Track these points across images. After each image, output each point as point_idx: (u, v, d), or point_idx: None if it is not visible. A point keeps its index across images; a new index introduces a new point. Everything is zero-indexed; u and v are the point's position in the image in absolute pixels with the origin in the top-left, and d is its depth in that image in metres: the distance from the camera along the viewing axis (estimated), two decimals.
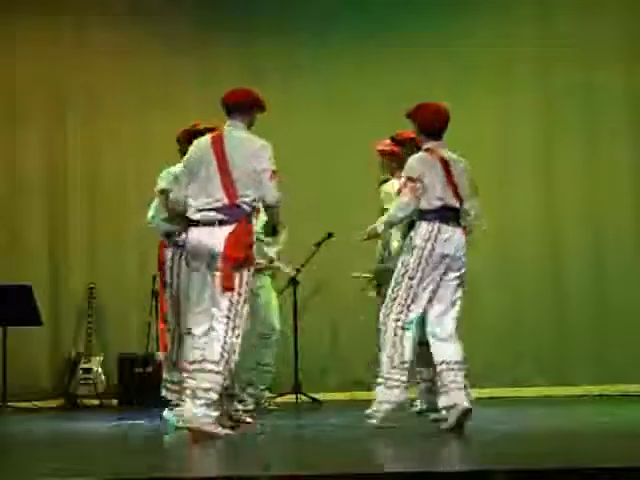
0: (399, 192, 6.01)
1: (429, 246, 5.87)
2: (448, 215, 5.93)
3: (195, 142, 5.94)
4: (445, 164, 5.96)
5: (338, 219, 9.02)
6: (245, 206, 5.70)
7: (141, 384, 8.99)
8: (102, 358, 9.31)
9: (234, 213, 5.67)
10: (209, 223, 5.67)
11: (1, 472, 4.48)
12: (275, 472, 4.23)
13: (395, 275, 5.97)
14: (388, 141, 6.89)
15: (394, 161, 6.86)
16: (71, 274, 9.64)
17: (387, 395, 5.91)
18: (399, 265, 5.97)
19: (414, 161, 5.99)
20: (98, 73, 9.79)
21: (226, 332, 5.59)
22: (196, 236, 5.71)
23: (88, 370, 9.20)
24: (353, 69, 9.70)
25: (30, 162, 9.70)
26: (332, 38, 9.76)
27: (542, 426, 6.28)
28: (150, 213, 6.63)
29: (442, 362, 5.82)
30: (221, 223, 5.66)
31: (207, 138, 5.90)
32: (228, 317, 5.60)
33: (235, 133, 5.86)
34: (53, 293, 9.57)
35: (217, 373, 5.55)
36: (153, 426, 6.83)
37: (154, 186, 6.53)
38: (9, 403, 8.77)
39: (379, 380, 5.96)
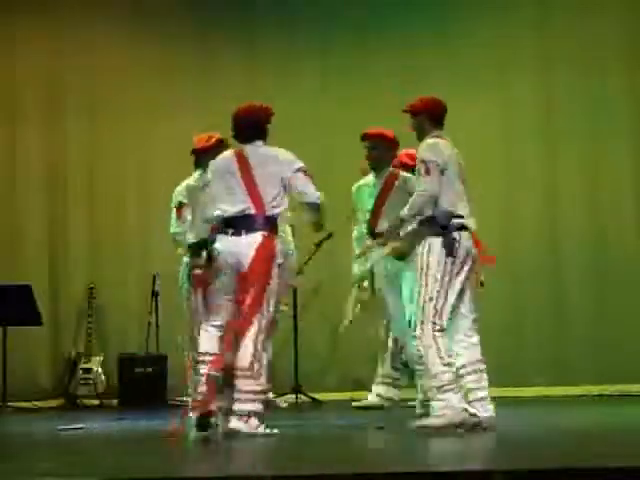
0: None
1: None
2: None
3: (440, 150, 5.93)
4: None
5: (338, 219, 8.99)
6: None
7: (141, 384, 9.00)
8: (102, 358, 9.31)
9: None
10: None
11: (1, 472, 4.48)
12: (275, 472, 4.23)
13: None
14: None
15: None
16: (71, 274, 9.64)
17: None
18: None
19: None
20: (98, 73, 9.80)
21: None
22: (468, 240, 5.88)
23: (88, 370, 9.20)
24: (353, 68, 9.70)
25: (30, 162, 9.71)
26: (332, 37, 9.78)
27: (542, 426, 6.28)
28: None
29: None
30: None
31: (444, 144, 5.96)
32: None
33: None
34: (53, 293, 9.57)
35: None
36: (153, 426, 6.84)
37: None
38: (9, 403, 8.76)
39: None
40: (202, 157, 6.73)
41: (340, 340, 9.11)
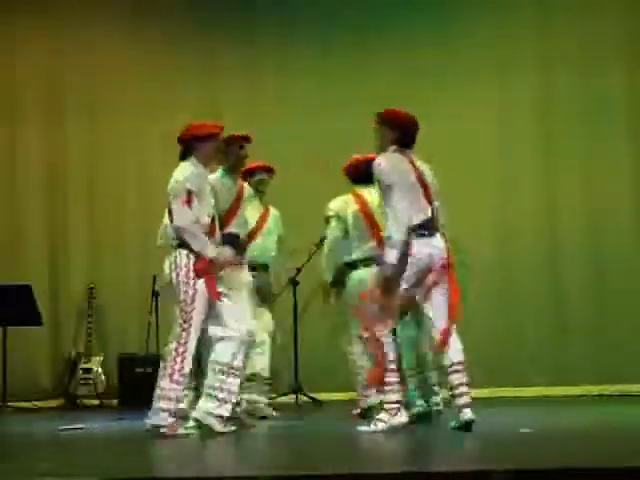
0: None
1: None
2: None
3: (386, 168, 5.94)
4: None
5: None
6: None
7: (141, 384, 8.98)
8: (102, 358, 9.32)
9: None
10: None
11: (1, 472, 4.48)
12: (275, 472, 4.23)
13: None
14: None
15: None
16: (71, 274, 9.65)
17: None
18: None
19: None
20: (98, 73, 9.81)
21: None
22: None
23: (88, 370, 9.21)
24: (353, 68, 9.70)
25: (30, 162, 9.72)
26: (332, 37, 9.78)
27: (542, 426, 6.28)
28: None
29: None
30: None
31: (395, 157, 5.96)
32: None
33: None
34: (53, 293, 9.58)
35: None
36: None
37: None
38: (9, 403, 8.77)
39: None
40: (204, 146, 6.35)
41: (340, 340, 9.11)
